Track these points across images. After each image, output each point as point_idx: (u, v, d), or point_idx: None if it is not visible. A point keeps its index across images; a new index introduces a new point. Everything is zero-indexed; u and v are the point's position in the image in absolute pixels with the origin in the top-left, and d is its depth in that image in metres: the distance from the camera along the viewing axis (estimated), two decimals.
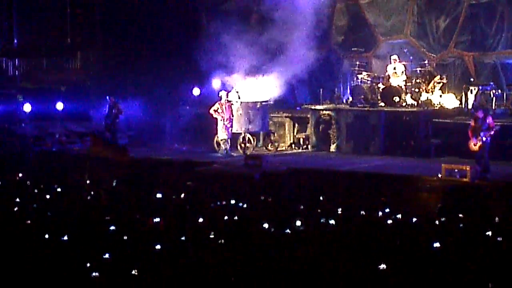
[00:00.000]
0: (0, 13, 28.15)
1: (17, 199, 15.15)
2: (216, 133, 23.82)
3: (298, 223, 12.66)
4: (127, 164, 19.00)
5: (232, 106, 23.72)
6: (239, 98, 24.03)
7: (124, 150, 21.79)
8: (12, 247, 10.74)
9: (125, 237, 11.48)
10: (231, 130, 23.69)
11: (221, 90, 24.25)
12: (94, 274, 9.47)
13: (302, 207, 14.58)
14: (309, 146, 24.90)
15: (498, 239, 11.54)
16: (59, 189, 16.76)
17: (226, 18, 25.58)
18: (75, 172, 19.43)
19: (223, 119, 23.43)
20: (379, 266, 9.69)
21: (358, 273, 9.55)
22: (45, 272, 9.64)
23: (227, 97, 23.76)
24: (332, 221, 12.89)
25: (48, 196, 15.81)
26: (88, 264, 9.75)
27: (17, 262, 9.98)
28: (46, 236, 11.41)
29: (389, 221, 13.12)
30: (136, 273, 9.50)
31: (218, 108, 23.51)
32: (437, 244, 10.86)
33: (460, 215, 13.58)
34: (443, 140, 22.76)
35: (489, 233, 11.81)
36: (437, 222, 13.11)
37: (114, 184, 18.08)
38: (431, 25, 26.34)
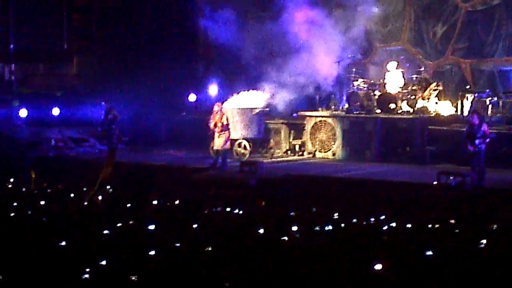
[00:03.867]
0: None
1: (14, 204, 15.15)
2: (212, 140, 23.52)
3: (294, 229, 12.66)
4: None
5: (216, 116, 22.27)
6: (219, 107, 22.81)
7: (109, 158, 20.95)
8: (9, 253, 10.72)
9: (120, 243, 11.47)
10: (221, 140, 22.07)
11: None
12: (90, 280, 9.46)
13: (297, 213, 14.57)
14: (305, 153, 24.88)
15: (494, 246, 11.53)
16: (54, 195, 16.75)
17: (223, 24, 25.59)
18: (71, 178, 19.43)
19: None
20: (375, 267, 9.70)
21: (353, 278, 9.55)
22: (42, 278, 9.61)
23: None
24: (327, 227, 12.89)
25: (43, 202, 15.79)
26: (84, 270, 9.74)
27: (13, 268, 9.95)
28: (43, 241, 11.40)
29: (385, 228, 13.14)
30: (135, 279, 9.48)
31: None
32: (429, 252, 10.86)
33: (455, 222, 13.60)
34: (438, 147, 22.76)
35: (484, 240, 11.80)
36: (431, 228, 13.13)
37: (109, 189, 18.06)
38: (428, 32, 26.39)
